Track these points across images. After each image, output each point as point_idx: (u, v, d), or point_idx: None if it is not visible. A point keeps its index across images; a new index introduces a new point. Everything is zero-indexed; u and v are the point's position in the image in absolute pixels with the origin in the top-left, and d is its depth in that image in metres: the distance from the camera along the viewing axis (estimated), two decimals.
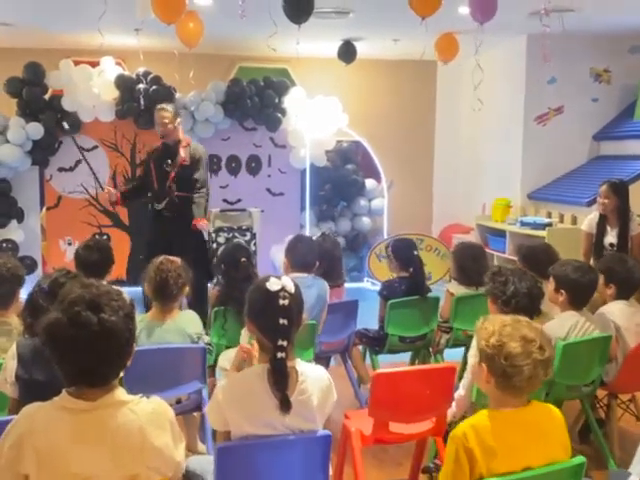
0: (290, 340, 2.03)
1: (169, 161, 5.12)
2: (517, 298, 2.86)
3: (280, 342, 1.99)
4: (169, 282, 3.02)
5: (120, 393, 1.75)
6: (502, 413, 1.86)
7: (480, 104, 5.35)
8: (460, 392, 2.78)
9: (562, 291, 3.21)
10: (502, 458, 1.80)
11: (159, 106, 5.22)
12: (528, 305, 2.88)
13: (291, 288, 2.06)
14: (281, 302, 2.01)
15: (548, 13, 4.35)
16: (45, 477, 1.65)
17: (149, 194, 5.26)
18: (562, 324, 3.18)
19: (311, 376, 2.06)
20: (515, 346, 1.82)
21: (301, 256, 3.63)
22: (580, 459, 1.88)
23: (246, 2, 5.14)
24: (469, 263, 3.95)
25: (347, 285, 7.22)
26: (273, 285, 2.04)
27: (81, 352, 1.66)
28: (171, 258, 3.20)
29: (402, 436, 2.75)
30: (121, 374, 1.83)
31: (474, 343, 2.90)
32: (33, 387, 2.29)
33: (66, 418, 1.68)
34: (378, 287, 7.05)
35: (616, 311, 3.46)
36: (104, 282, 3.42)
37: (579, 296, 3.22)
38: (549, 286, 3.30)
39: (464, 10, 5.28)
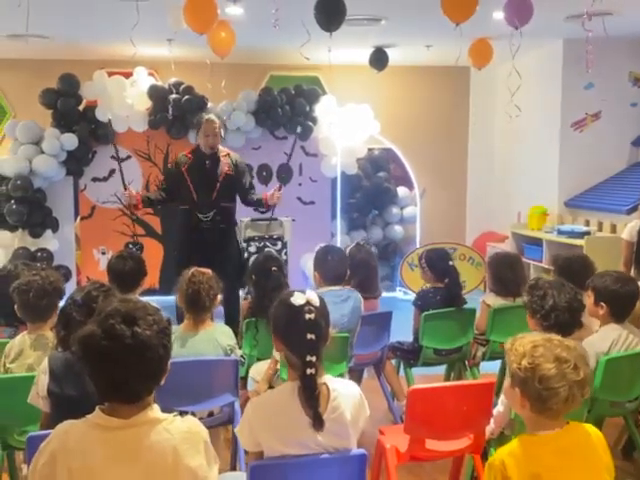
0: (319, 355, 1.98)
1: (217, 171, 4.98)
2: (556, 312, 2.77)
3: (309, 358, 1.94)
4: (201, 294, 3.00)
5: (154, 411, 1.72)
6: (540, 437, 1.78)
7: (518, 110, 5.22)
8: (499, 408, 2.69)
9: (602, 304, 3.10)
10: None
11: (208, 117, 5.07)
12: (568, 319, 2.79)
13: (316, 302, 2.01)
14: (307, 316, 1.97)
15: (590, 17, 4.22)
16: None
17: (185, 206, 5.05)
18: (604, 338, 3.06)
19: (343, 392, 2.00)
20: (549, 367, 1.74)
21: (333, 268, 3.57)
22: None
23: (278, 11, 5.16)
24: (506, 273, 3.85)
25: (391, 295, 7.25)
26: (297, 299, 1.99)
27: (113, 365, 1.63)
28: (202, 270, 3.19)
29: (439, 453, 2.67)
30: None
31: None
32: (65, 401, 2.27)
33: (99, 436, 1.65)
34: (410, 297, 7.07)
35: None
36: (136, 293, 3.47)
37: (620, 308, 3.09)
38: (588, 299, 3.18)
39: (498, 15, 5.19)
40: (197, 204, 4.97)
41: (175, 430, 1.69)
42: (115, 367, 1.63)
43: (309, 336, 1.95)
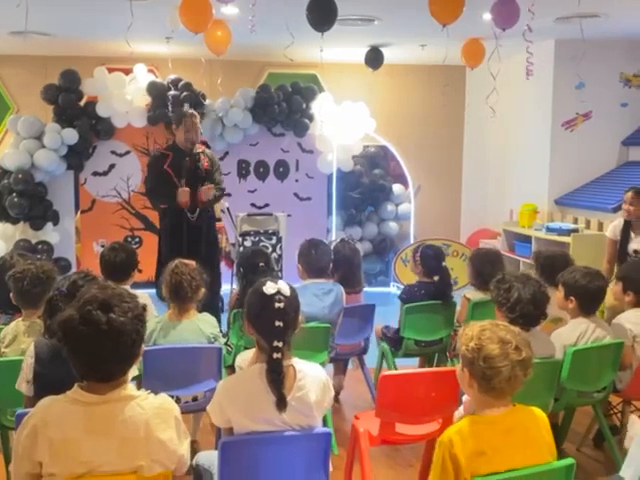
0: (285, 341, 2.12)
1: (199, 167, 4.94)
2: (521, 304, 2.88)
3: (276, 343, 2.08)
4: (183, 284, 3.12)
5: (129, 389, 1.86)
6: (486, 418, 1.91)
7: (492, 112, 5.35)
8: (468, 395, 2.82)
9: (571, 298, 3.23)
10: (486, 462, 1.86)
11: (191, 112, 5.03)
12: (533, 311, 2.90)
13: (286, 291, 2.14)
14: (277, 305, 2.10)
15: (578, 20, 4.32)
16: (57, 464, 1.77)
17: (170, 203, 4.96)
18: (572, 330, 3.19)
19: (309, 374, 2.14)
20: (493, 348, 1.88)
21: (316, 262, 3.70)
22: (569, 461, 1.92)
23: (271, 11, 5.29)
24: (486, 268, 3.96)
25: (374, 289, 7.38)
26: (269, 289, 2.13)
27: (89, 348, 1.77)
28: (185, 261, 3.30)
29: (409, 437, 2.81)
30: (132, 372, 1.94)
31: None
32: (49, 385, 2.39)
33: (78, 410, 1.80)
34: None
35: (633, 319, 3.45)
36: (128, 284, 3.60)
37: (588, 302, 3.23)
38: (558, 293, 3.31)
39: (488, 16, 5.30)
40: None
41: (148, 406, 1.83)
42: (91, 350, 1.78)
43: (277, 323, 2.09)
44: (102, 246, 7.43)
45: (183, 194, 4.85)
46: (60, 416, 1.79)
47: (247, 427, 2.08)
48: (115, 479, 1.78)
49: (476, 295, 4.07)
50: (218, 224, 6.84)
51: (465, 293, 4.17)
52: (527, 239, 6.73)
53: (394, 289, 7.57)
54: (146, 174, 5.24)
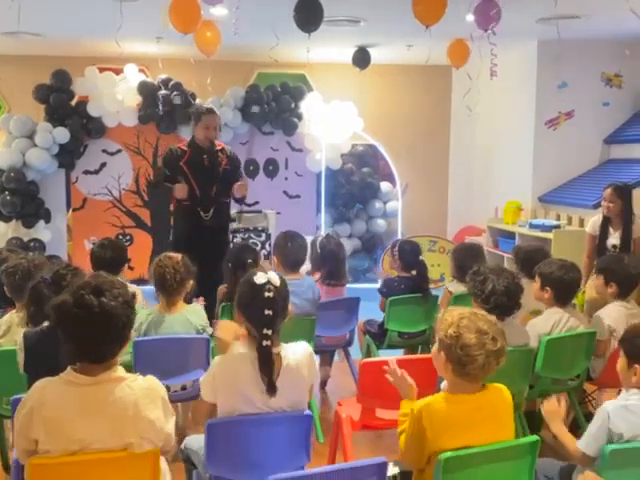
0: (275, 329, 2.23)
1: (217, 166, 4.86)
2: (495, 296, 3.00)
3: (265, 331, 2.18)
4: (166, 277, 3.22)
5: (119, 371, 1.98)
6: (458, 396, 2.04)
7: (469, 111, 5.49)
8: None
9: (547, 288, 3.36)
10: (453, 436, 1.99)
11: (210, 109, 4.91)
12: (506, 302, 3.02)
13: (276, 281, 2.26)
14: (266, 294, 2.21)
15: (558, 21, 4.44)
16: (52, 442, 1.89)
17: (185, 202, 4.84)
18: (547, 320, 3.32)
19: (294, 354, 2.26)
20: (471, 337, 2.00)
21: (291, 254, 3.78)
22: (534, 437, 2.04)
23: (260, 12, 5.40)
24: (467, 262, 4.09)
25: (362, 285, 7.50)
26: (259, 279, 2.24)
27: (82, 329, 1.90)
28: (170, 254, 3.39)
29: (389, 422, 2.92)
30: (122, 356, 2.06)
31: None
32: (40, 372, 2.49)
33: (71, 391, 1.92)
34: None
35: (613, 313, 3.55)
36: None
37: (563, 293, 3.36)
38: (535, 284, 3.44)
39: (471, 17, 5.43)
40: (199, 200, 4.81)
41: (136, 387, 1.96)
42: (84, 332, 1.91)
43: (267, 312, 2.20)
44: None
45: (180, 190, 4.76)
46: (54, 397, 1.92)
47: (231, 406, 2.19)
48: (107, 455, 1.90)
49: (458, 288, 4.19)
50: None
51: (447, 286, 4.30)
52: (511, 235, 6.86)
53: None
54: (158, 167, 5.10)
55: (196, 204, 4.81)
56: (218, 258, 4.50)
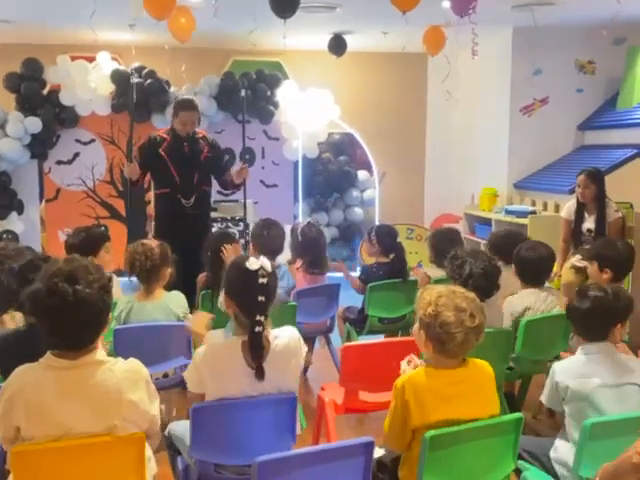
0: (267, 315, 2.21)
1: (198, 153, 4.80)
2: (473, 278, 3.04)
3: (258, 317, 2.17)
4: (135, 264, 3.19)
5: (99, 354, 1.95)
6: (440, 370, 2.06)
7: (449, 95, 5.51)
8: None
9: (515, 269, 3.42)
10: (434, 409, 2.02)
11: (189, 104, 4.78)
12: (484, 284, 3.05)
13: (268, 267, 2.24)
14: (260, 280, 2.18)
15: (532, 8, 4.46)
16: (34, 427, 1.86)
17: (165, 190, 4.81)
18: (520, 299, 3.36)
19: (282, 338, 2.25)
20: (449, 315, 2.02)
21: (268, 243, 3.75)
22: (518, 415, 2.07)
23: None
24: (444, 246, 4.12)
25: (340, 274, 7.46)
26: (253, 264, 2.20)
27: (58, 319, 1.86)
28: (144, 241, 3.34)
29: (371, 404, 2.94)
30: (102, 341, 2.03)
31: None
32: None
33: (51, 375, 1.89)
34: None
35: None
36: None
37: (526, 271, 3.41)
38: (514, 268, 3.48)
39: (447, 4, 5.44)
40: (179, 188, 4.76)
41: (118, 370, 1.94)
42: (59, 321, 1.86)
43: (260, 298, 2.18)
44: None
45: (130, 170, 4.68)
46: (35, 382, 1.88)
47: (219, 395, 2.18)
48: (91, 440, 1.88)
49: (436, 273, 4.22)
50: None
51: (426, 270, 4.32)
52: (487, 222, 6.93)
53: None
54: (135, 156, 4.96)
55: (176, 192, 4.77)
56: (200, 246, 4.46)
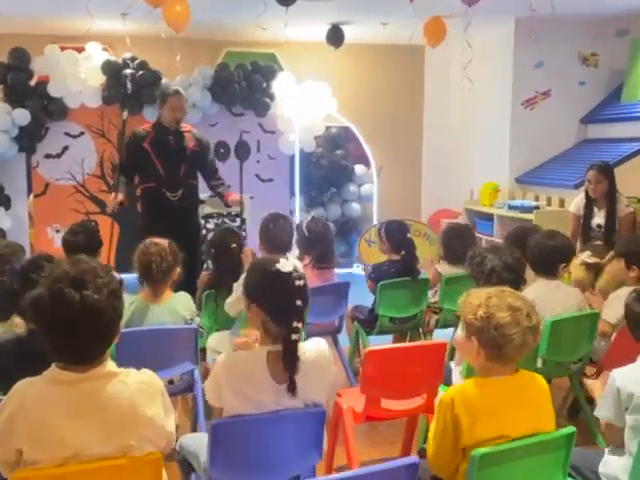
0: (304, 321, 2.03)
1: (183, 147, 4.78)
2: (496, 273, 2.90)
3: (295, 324, 1.97)
4: (152, 265, 3.00)
5: (110, 365, 1.76)
6: (490, 381, 1.90)
7: (470, 83, 5.34)
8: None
9: (528, 257, 3.29)
10: (487, 424, 1.84)
11: (175, 89, 4.79)
12: (508, 277, 2.91)
13: (300, 267, 2.06)
14: (297, 283, 1.99)
15: None
16: (37, 449, 1.66)
17: (150, 184, 4.79)
18: (530, 292, 3.20)
19: (311, 347, 2.06)
20: (504, 316, 1.85)
21: (275, 238, 3.57)
22: (570, 429, 1.91)
23: None
24: (456, 242, 3.97)
25: (337, 271, 7.29)
26: (285, 266, 2.01)
27: (63, 329, 1.66)
28: (156, 240, 3.18)
29: (394, 412, 2.78)
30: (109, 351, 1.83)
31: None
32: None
33: (57, 391, 1.69)
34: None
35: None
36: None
37: (537, 261, 3.27)
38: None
39: None
40: (165, 181, 4.71)
41: (131, 382, 1.74)
42: (65, 331, 1.66)
43: (298, 302, 1.98)
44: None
45: (112, 203, 4.78)
46: (38, 398, 1.69)
47: (239, 410, 1.99)
48: (103, 463, 1.68)
49: (447, 269, 4.07)
50: None
51: (436, 266, 4.17)
52: (488, 217, 6.78)
53: (358, 270, 7.55)
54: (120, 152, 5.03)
55: (161, 185, 4.71)
56: (190, 240, 4.55)
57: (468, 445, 1.81)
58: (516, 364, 1.94)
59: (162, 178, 4.71)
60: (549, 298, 3.15)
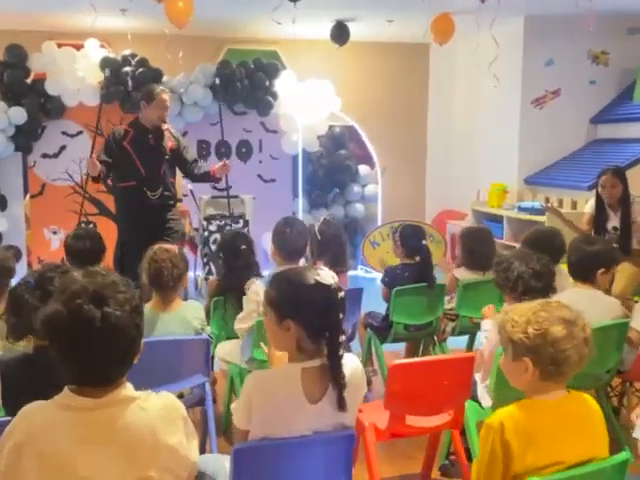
0: (344, 334, 1.90)
1: (163, 146, 4.79)
2: (523, 280, 2.75)
3: (341, 338, 1.85)
4: (163, 273, 2.85)
5: (128, 389, 1.60)
6: (541, 402, 1.75)
7: (496, 81, 5.21)
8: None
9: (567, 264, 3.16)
10: (541, 450, 1.69)
11: (162, 88, 4.84)
12: (536, 285, 2.76)
13: (336, 277, 1.93)
14: (340, 295, 1.86)
15: None
16: None
17: (130, 183, 4.77)
18: (564, 300, 3.05)
19: (345, 365, 1.89)
20: (559, 330, 1.71)
21: (290, 241, 3.41)
22: (625, 455, 1.76)
23: None
24: (478, 247, 3.82)
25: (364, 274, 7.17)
26: (326, 278, 1.86)
27: (82, 350, 1.50)
28: (166, 247, 3.05)
29: (419, 429, 2.62)
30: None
31: (488, 336, 2.77)
32: (22, 402, 2.07)
33: (70, 417, 1.53)
34: (372, 275, 7.03)
35: None
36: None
37: (576, 269, 3.15)
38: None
39: None
40: (145, 180, 4.72)
41: (151, 407, 1.58)
42: (84, 351, 1.51)
43: (341, 316, 1.86)
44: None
45: (89, 164, 4.59)
46: (49, 426, 1.52)
47: (267, 433, 1.83)
48: None
49: (466, 275, 3.92)
50: (182, 208, 6.53)
51: (454, 272, 4.02)
52: (497, 219, 6.65)
53: (362, 272, 7.40)
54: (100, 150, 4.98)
55: (142, 184, 4.73)
56: (167, 235, 4.74)
57: (519, 473, 1.66)
58: (567, 382, 1.79)
59: (143, 177, 4.73)
60: (585, 306, 2.99)
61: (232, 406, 1.91)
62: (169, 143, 4.84)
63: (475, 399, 2.77)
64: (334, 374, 1.82)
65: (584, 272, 3.19)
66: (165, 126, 4.91)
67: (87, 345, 1.49)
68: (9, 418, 1.65)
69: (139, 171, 4.71)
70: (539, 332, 1.71)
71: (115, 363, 1.55)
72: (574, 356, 1.71)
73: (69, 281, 1.58)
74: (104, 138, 5.09)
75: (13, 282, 2.81)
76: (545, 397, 1.76)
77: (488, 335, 2.76)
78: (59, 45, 6.57)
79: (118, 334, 1.51)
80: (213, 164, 5.18)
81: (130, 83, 6.39)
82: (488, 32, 6.00)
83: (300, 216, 7.28)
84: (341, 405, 1.83)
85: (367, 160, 7.74)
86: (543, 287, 2.78)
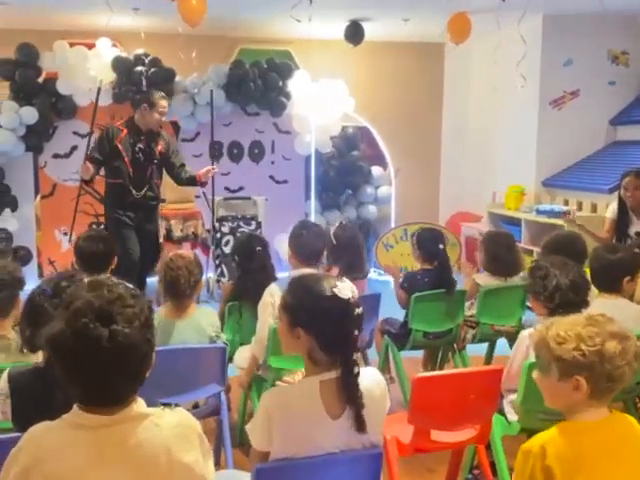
0: (358, 351, 1.81)
1: (154, 149, 5.06)
2: (561, 292, 2.63)
3: (355, 356, 1.76)
4: (180, 281, 2.76)
5: (140, 405, 1.50)
6: (583, 424, 1.64)
7: (523, 81, 5.12)
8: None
9: (591, 274, 3.05)
10: (586, 477, 1.58)
11: (161, 94, 5.07)
12: (573, 298, 2.64)
13: (356, 291, 1.80)
14: (357, 311, 1.75)
15: None
16: None
17: (118, 180, 5.04)
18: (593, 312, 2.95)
19: (364, 379, 1.80)
20: (614, 345, 1.60)
21: (307, 245, 3.30)
22: None
23: None
24: (503, 252, 3.70)
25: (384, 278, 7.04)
26: (343, 291, 1.75)
27: (89, 369, 1.40)
28: (181, 253, 2.95)
29: (444, 444, 2.52)
30: None
31: (516, 349, 2.66)
32: (33, 418, 1.97)
33: (80, 437, 1.43)
34: (385, 278, 6.91)
35: None
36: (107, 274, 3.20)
37: (600, 278, 3.05)
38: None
39: None
40: (132, 180, 5.00)
41: (165, 424, 1.48)
42: (90, 371, 1.40)
43: (356, 332, 1.75)
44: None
45: (83, 169, 4.91)
46: (58, 447, 1.42)
47: (288, 453, 1.73)
48: None
49: (487, 281, 3.81)
50: (192, 209, 6.46)
51: (474, 277, 3.91)
52: (515, 222, 6.52)
53: (375, 275, 7.28)
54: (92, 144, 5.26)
55: (129, 183, 5.01)
56: (152, 229, 5.23)
57: None
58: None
59: (130, 177, 5.00)
60: (616, 317, 2.88)
61: (247, 427, 1.80)
62: (159, 147, 5.09)
63: (501, 412, 2.66)
64: (349, 393, 1.72)
65: (610, 281, 3.10)
66: (156, 130, 5.14)
67: (94, 365, 1.39)
68: (19, 435, 1.56)
69: (127, 171, 4.99)
70: (595, 349, 1.60)
71: (125, 381, 1.44)
72: (628, 372, 1.62)
73: (73, 296, 1.47)
74: (97, 134, 5.32)
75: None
76: (588, 418, 1.65)
77: (515, 348, 2.65)
78: (71, 44, 6.50)
79: (128, 352, 1.40)
80: (199, 171, 5.25)
81: (144, 83, 6.32)
82: (506, 31, 5.90)
83: (312, 218, 7.19)
84: (360, 426, 1.73)
85: (380, 161, 7.64)
86: (579, 301, 2.67)
